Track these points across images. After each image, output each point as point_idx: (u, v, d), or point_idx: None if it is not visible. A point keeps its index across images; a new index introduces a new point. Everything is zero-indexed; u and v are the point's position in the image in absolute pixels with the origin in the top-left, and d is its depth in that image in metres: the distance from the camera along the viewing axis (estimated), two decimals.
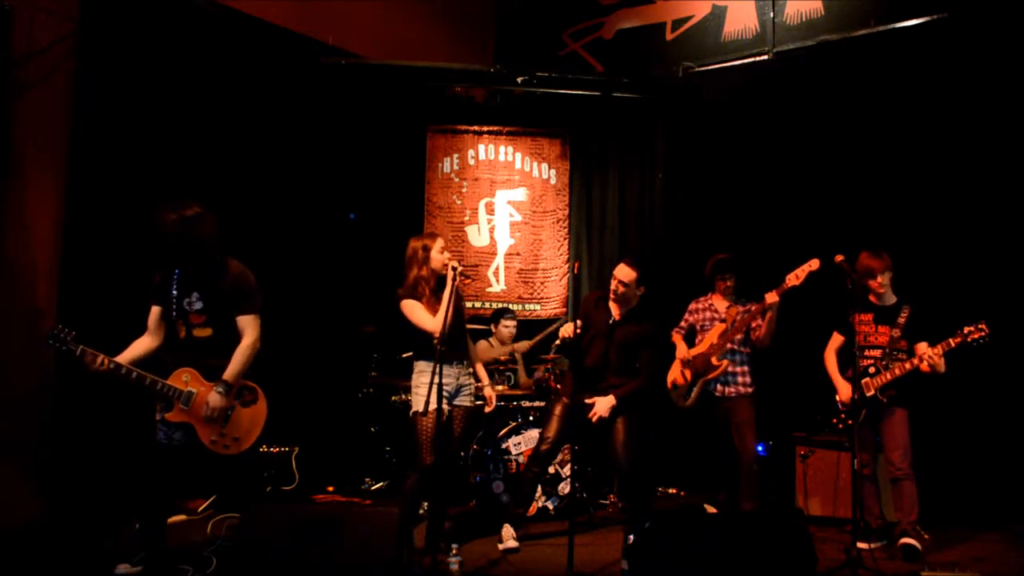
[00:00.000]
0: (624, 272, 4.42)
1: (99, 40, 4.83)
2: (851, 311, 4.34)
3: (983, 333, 4.05)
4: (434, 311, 4.06)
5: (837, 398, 4.57)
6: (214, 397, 3.60)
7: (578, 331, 4.21)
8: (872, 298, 4.49)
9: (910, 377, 4.30)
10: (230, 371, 3.65)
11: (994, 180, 5.15)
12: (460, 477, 5.19)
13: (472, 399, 4.27)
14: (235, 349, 3.67)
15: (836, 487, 4.98)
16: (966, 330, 4.09)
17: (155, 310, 3.69)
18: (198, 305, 3.66)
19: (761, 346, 4.76)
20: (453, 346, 4.10)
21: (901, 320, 4.37)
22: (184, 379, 3.62)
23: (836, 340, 4.69)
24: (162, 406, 3.64)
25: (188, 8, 5.16)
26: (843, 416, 4.49)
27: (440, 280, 4.13)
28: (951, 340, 4.14)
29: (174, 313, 3.65)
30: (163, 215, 3.55)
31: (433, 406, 3.78)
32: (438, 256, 4.12)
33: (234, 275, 3.71)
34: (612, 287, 4.45)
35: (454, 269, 3.97)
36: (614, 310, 4.50)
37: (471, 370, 4.30)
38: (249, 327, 3.72)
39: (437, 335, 3.89)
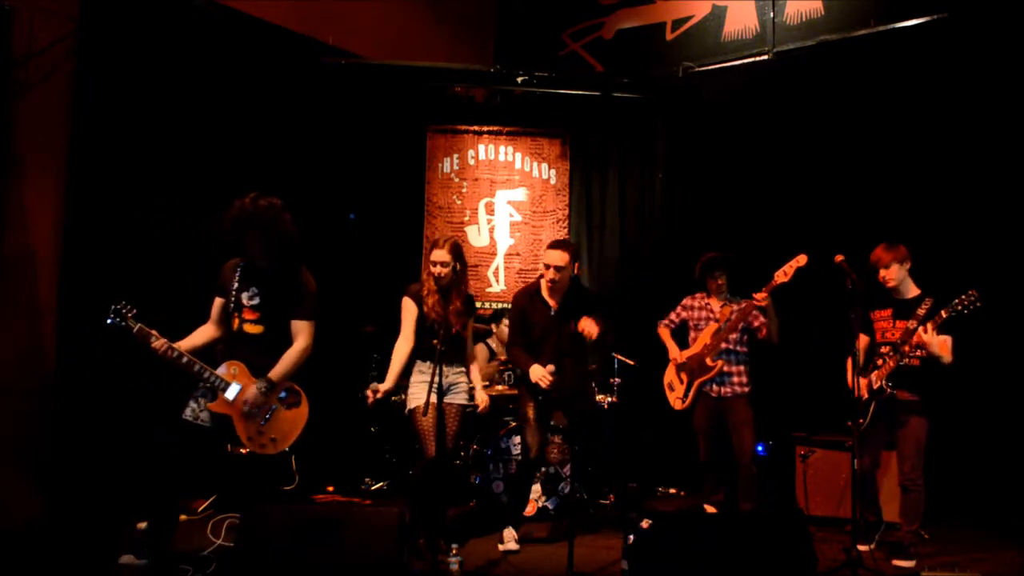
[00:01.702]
0: (556, 256, 4.29)
1: (99, 40, 4.83)
2: (853, 311, 4.30)
3: (973, 298, 3.92)
4: (432, 310, 4.14)
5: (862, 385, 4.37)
6: (252, 392, 3.60)
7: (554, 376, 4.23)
8: (893, 293, 4.34)
9: (925, 377, 4.16)
10: (276, 371, 3.66)
11: (995, 179, 5.15)
12: (460, 477, 5.19)
13: (466, 397, 4.30)
14: (283, 351, 3.69)
15: (836, 487, 4.98)
16: (957, 300, 3.97)
17: (218, 302, 3.72)
18: (255, 301, 3.67)
19: (771, 343, 4.74)
20: (437, 348, 4.10)
21: (920, 312, 4.18)
22: (232, 371, 3.62)
23: (861, 340, 4.44)
24: (202, 390, 3.61)
25: (188, 8, 5.16)
26: (861, 406, 4.27)
27: (446, 286, 4.18)
28: (942, 312, 4.00)
29: (232, 305, 3.66)
30: (256, 200, 3.58)
31: (420, 401, 3.96)
32: (432, 267, 4.19)
33: (298, 279, 3.74)
34: (548, 277, 4.34)
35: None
36: (551, 301, 4.40)
37: (463, 369, 4.32)
38: (303, 332, 3.73)
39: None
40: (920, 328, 4.06)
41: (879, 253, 4.31)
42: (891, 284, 4.30)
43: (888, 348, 4.29)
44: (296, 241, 3.70)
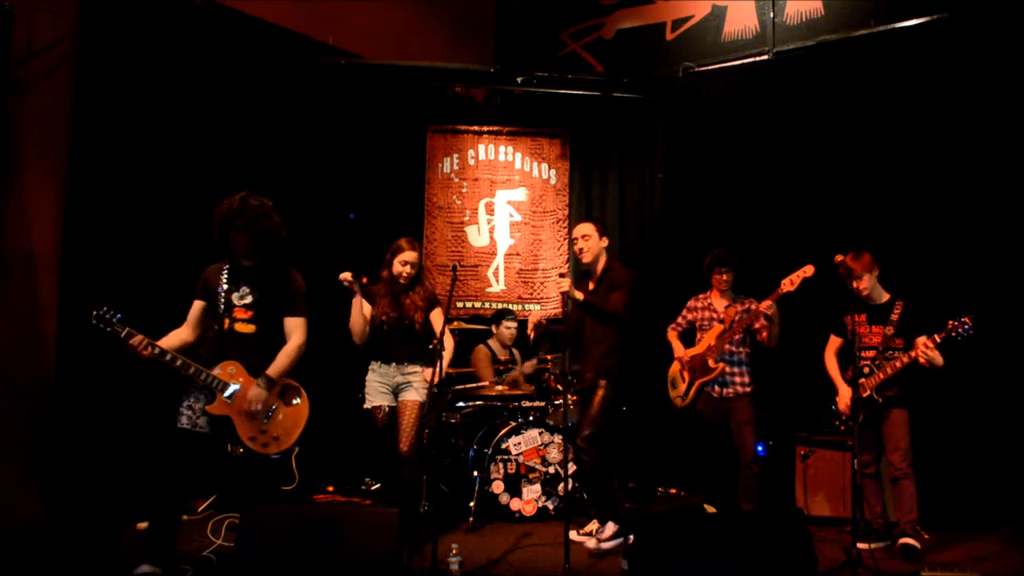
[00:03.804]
0: (580, 228, 4.53)
1: (99, 40, 4.83)
2: (847, 312, 4.36)
3: (966, 326, 4.04)
4: (383, 312, 4.31)
5: (838, 402, 4.56)
6: (255, 391, 3.59)
7: (543, 322, 4.42)
8: (866, 299, 4.46)
9: (908, 375, 4.28)
10: (274, 368, 3.65)
11: (994, 178, 5.15)
12: (460, 477, 5.20)
13: (422, 393, 4.28)
14: (275, 350, 3.68)
15: (836, 487, 4.98)
16: (950, 324, 4.09)
17: (198, 304, 3.68)
18: (247, 300, 3.66)
19: (769, 347, 4.76)
20: (387, 347, 4.32)
21: (894, 317, 4.36)
22: (229, 371, 3.60)
23: (834, 342, 4.68)
24: (194, 394, 3.59)
25: (188, 8, 5.17)
26: (843, 419, 4.50)
27: (404, 285, 4.34)
28: (936, 336, 4.14)
29: (222, 307, 3.63)
30: (245, 199, 3.58)
31: (375, 403, 4.32)
32: (399, 267, 4.35)
33: (287, 277, 3.76)
34: (576, 249, 4.56)
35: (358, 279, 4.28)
36: (589, 285, 4.56)
37: (417, 369, 4.36)
38: (298, 329, 3.73)
39: (355, 340, 4.34)
40: (925, 345, 4.15)
41: (852, 265, 4.37)
42: (866, 293, 4.45)
43: (873, 353, 4.37)
44: (284, 240, 3.70)
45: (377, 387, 4.33)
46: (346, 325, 4.58)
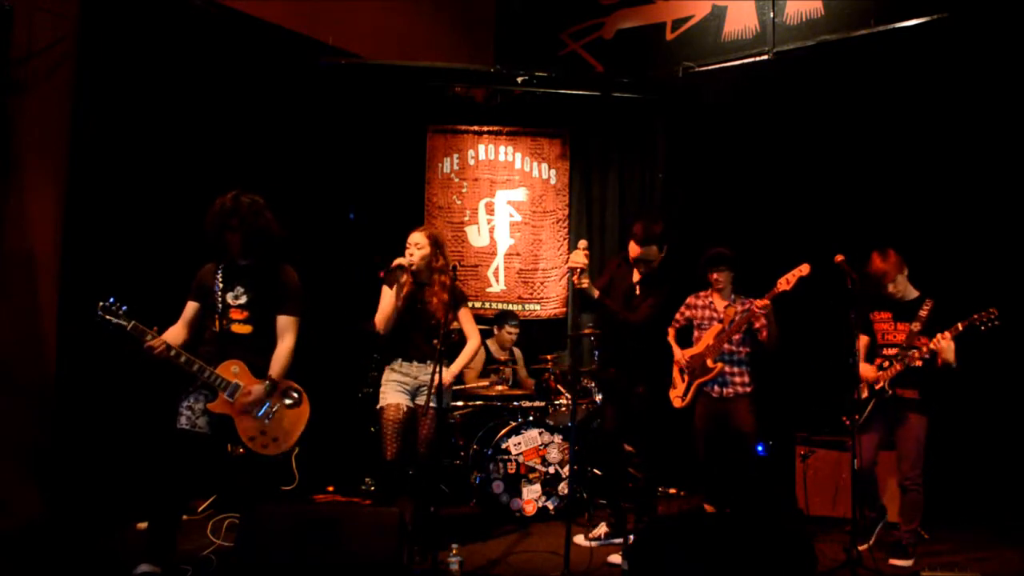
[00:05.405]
0: (652, 253, 4.36)
1: (99, 40, 4.82)
2: (854, 311, 4.31)
3: (992, 316, 3.96)
4: (405, 307, 4.11)
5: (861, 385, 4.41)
6: (258, 392, 3.59)
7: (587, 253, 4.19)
8: (893, 295, 4.36)
9: (926, 376, 4.18)
10: (275, 370, 3.66)
11: (995, 179, 5.15)
12: (460, 477, 5.20)
13: (444, 399, 4.17)
14: (270, 349, 3.68)
15: (836, 487, 4.98)
16: (975, 316, 4.01)
17: (192, 305, 3.69)
18: (241, 300, 3.65)
19: (767, 349, 4.74)
20: (411, 344, 4.14)
21: (923, 314, 4.24)
22: (233, 371, 3.60)
23: (861, 341, 4.48)
24: (194, 394, 3.59)
25: (187, 8, 5.16)
26: (860, 402, 4.34)
27: (425, 274, 4.17)
28: (959, 324, 4.04)
29: (218, 307, 3.63)
30: (237, 198, 3.58)
31: (390, 400, 4.07)
32: (407, 253, 4.16)
33: (281, 275, 3.74)
34: (640, 269, 4.40)
35: (402, 268, 4.07)
36: (635, 274, 4.45)
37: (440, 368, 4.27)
38: (290, 329, 3.71)
39: (378, 328, 4.10)
40: (939, 336, 4.07)
41: (882, 268, 4.30)
42: (898, 294, 4.35)
43: (895, 351, 4.30)
44: (277, 238, 3.69)
45: (395, 386, 4.12)
46: (346, 324, 4.59)
